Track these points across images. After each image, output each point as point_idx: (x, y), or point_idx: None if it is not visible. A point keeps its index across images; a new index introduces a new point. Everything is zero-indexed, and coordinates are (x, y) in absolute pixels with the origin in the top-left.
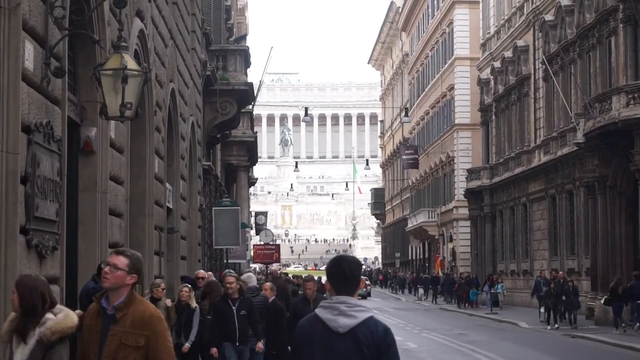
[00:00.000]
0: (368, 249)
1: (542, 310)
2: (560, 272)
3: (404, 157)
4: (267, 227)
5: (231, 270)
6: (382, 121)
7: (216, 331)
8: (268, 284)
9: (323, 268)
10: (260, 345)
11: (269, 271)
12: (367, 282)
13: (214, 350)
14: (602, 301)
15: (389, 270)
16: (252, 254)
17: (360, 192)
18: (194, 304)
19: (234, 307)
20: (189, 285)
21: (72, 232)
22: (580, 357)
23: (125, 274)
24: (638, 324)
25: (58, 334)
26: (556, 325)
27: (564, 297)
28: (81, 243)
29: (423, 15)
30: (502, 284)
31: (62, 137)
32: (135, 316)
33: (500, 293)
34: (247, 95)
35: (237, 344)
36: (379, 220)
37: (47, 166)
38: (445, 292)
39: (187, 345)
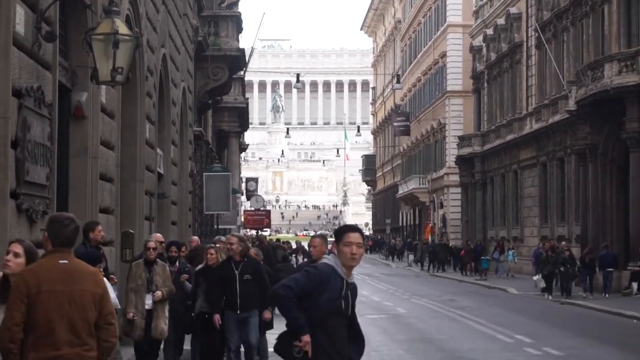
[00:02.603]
0: (359, 215)
1: (537, 277)
2: (563, 243)
3: (395, 124)
4: (258, 193)
5: (221, 237)
6: (373, 88)
7: (218, 297)
8: (253, 249)
9: (312, 234)
10: (267, 313)
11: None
12: None
13: (216, 317)
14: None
15: (379, 237)
16: (242, 220)
17: (348, 159)
18: None
19: (236, 271)
20: (216, 246)
21: (63, 196)
22: (568, 323)
23: None
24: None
25: None
26: (550, 297)
27: (561, 269)
28: (72, 208)
29: None
30: (513, 251)
31: (52, 101)
32: None
33: (511, 261)
34: (238, 61)
35: (239, 311)
36: (369, 187)
37: (38, 131)
38: (437, 260)
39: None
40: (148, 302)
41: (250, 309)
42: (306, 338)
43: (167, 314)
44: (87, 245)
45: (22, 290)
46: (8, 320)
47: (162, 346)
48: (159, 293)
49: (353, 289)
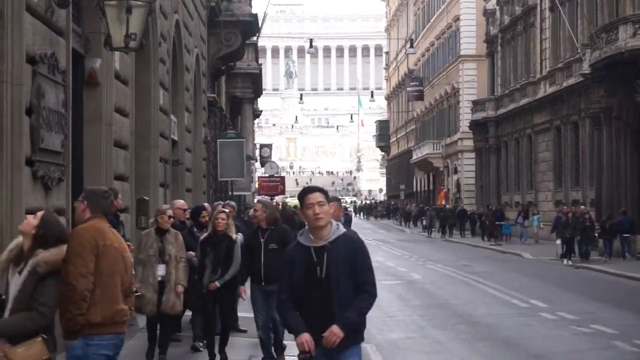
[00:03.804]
0: (373, 181)
1: (559, 242)
2: (582, 207)
3: (409, 89)
4: (272, 160)
5: (229, 202)
6: (387, 53)
7: (245, 268)
8: (259, 204)
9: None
10: None
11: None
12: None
13: (242, 288)
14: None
15: (392, 202)
16: (257, 186)
17: (362, 125)
18: (234, 235)
19: (262, 240)
20: (227, 211)
21: (78, 164)
22: (583, 287)
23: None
24: (627, 255)
25: (50, 266)
26: (570, 262)
27: (581, 233)
28: (86, 175)
29: None
30: (538, 216)
31: (66, 68)
32: None
33: (536, 226)
34: (251, 26)
35: (263, 284)
36: (383, 153)
37: (52, 98)
38: (447, 225)
39: (215, 283)
40: (160, 272)
41: (277, 281)
42: (300, 339)
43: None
44: None
45: (90, 241)
46: (84, 269)
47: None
48: (180, 288)
49: (332, 249)
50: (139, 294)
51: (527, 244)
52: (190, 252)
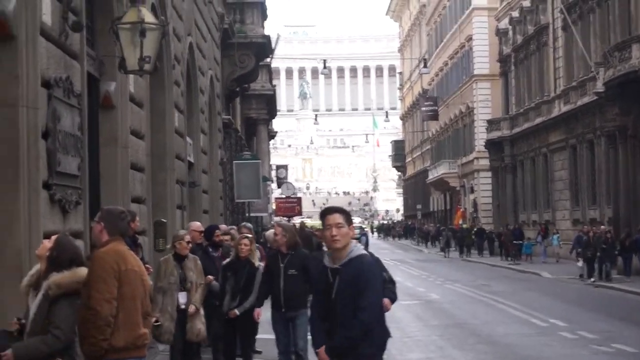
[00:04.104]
0: (389, 201)
1: (580, 264)
2: (603, 226)
3: (424, 108)
4: (288, 181)
5: (246, 223)
6: (400, 73)
7: (263, 289)
8: (279, 228)
9: None
10: None
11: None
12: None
13: (257, 311)
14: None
15: (409, 222)
16: (273, 207)
17: (378, 145)
18: (257, 262)
19: (281, 265)
20: (250, 236)
21: (95, 186)
22: (602, 306)
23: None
24: None
25: (62, 288)
26: (592, 279)
27: (601, 252)
28: (103, 198)
29: None
30: (557, 235)
31: (81, 91)
32: None
33: (556, 245)
34: (265, 48)
35: (284, 310)
36: (399, 172)
37: (68, 121)
38: (463, 245)
39: (235, 311)
40: (182, 300)
41: (297, 307)
42: (320, 353)
43: (202, 312)
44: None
45: (112, 266)
46: (108, 294)
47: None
48: (192, 308)
49: (343, 271)
50: (159, 323)
51: (547, 263)
52: (209, 277)
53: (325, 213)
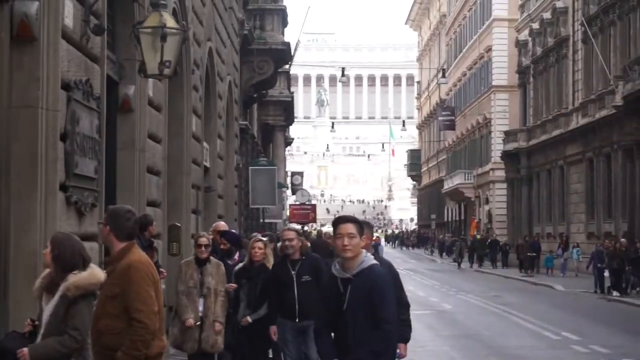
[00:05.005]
0: (403, 210)
1: (607, 274)
2: (623, 240)
3: (441, 118)
4: (303, 188)
5: (257, 234)
6: (418, 82)
7: (274, 304)
8: (292, 232)
9: None
10: None
11: (307, 230)
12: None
13: (273, 329)
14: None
15: (422, 232)
16: (288, 214)
17: (393, 155)
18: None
19: (293, 272)
20: (264, 240)
21: (111, 189)
22: (615, 320)
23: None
24: None
25: (81, 290)
26: (617, 293)
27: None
28: (119, 201)
29: None
30: (578, 249)
31: (101, 94)
32: (118, 268)
33: (576, 259)
34: (284, 54)
35: (297, 319)
36: (415, 182)
37: (86, 124)
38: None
39: (247, 318)
40: (200, 308)
41: (311, 316)
42: None
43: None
44: (141, 240)
45: (150, 277)
46: (153, 306)
47: None
48: (218, 326)
49: (355, 282)
50: (198, 323)
51: (567, 277)
52: (231, 285)
53: (338, 222)
